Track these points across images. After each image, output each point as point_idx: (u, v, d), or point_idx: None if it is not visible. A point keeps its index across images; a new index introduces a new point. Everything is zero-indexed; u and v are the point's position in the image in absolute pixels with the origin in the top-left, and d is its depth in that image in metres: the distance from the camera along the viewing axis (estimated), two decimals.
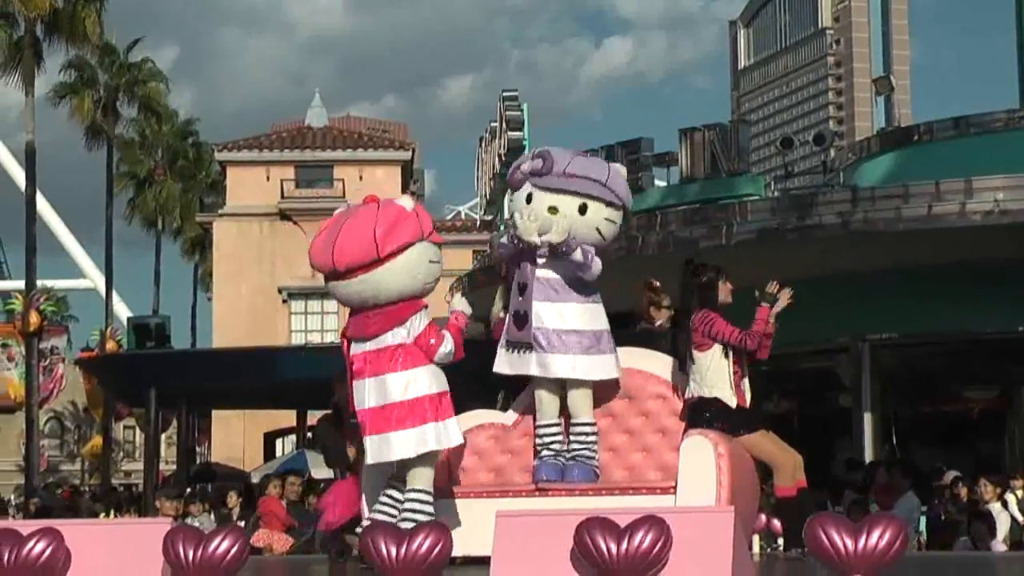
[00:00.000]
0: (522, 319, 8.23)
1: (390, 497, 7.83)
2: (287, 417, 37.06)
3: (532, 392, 8.47)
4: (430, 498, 7.71)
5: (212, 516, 16.91)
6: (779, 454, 8.48)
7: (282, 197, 47.95)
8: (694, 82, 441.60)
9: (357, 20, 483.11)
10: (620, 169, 8.50)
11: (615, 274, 8.76)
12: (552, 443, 8.31)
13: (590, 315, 8.22)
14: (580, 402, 8.28)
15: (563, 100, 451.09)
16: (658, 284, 10.08)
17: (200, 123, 60.31)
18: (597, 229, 8.18)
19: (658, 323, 9.91)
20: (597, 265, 8.13)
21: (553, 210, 8.13)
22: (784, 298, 8.32)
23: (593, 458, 8.26)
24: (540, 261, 8.14)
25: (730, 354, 8.27)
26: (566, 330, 8.14)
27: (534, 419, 8.47)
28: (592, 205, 8.15)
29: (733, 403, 8.21)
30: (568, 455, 8.26)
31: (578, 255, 8.05)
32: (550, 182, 8.16)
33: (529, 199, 8.21)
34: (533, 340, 8.15)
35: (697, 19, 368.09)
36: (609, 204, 8.20)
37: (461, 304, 7.91)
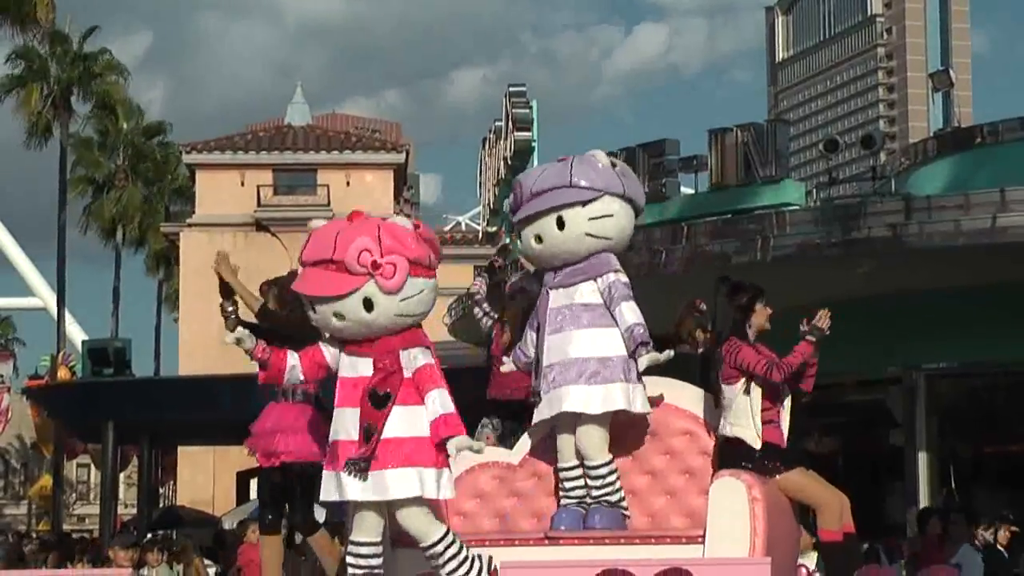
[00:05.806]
0: (536, 363, 8.32)
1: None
2: None
3: (539, 426, 8.47)
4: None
5: (174, 568, 16.88)
6: (823, 493, 8.44)
7: (259, 205, 48.07)
8: (735, 76, 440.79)
9: (355, 3, 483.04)
10: (587, 159, 8.31)
11: (636, 293, 8.75)
12: (572, 488, 8.28)
13: (601, 340, 8.15)
14: (586, 440, 8.18)
15: (588, 95, 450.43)
16: (704, 307, 10.05)
17: (172, 120, 60.52)
18: (587, 235, 8.16)
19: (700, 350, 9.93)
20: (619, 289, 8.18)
21: (539, 239, 8.22)
22: (824, 321, 8.24)
23: (620, 501, 8.22)
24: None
25: (755, 388, 8.17)
26: (568, 360, 8.12)
27: (543, 457, 8.48)
28: (567, 214, 8.13)
29: (756, 445, 8.12)
30: (590, 500, 8.22)
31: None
32: (526, 212, 8.23)
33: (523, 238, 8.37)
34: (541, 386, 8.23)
35: (740, 5, 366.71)
36: (586, 203, 8.15)
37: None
